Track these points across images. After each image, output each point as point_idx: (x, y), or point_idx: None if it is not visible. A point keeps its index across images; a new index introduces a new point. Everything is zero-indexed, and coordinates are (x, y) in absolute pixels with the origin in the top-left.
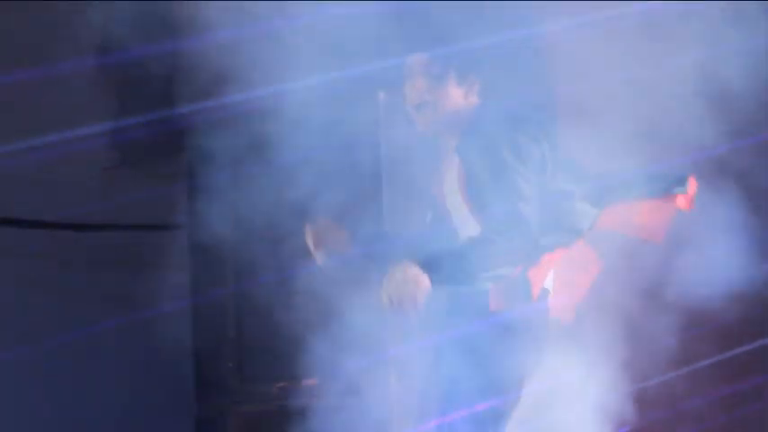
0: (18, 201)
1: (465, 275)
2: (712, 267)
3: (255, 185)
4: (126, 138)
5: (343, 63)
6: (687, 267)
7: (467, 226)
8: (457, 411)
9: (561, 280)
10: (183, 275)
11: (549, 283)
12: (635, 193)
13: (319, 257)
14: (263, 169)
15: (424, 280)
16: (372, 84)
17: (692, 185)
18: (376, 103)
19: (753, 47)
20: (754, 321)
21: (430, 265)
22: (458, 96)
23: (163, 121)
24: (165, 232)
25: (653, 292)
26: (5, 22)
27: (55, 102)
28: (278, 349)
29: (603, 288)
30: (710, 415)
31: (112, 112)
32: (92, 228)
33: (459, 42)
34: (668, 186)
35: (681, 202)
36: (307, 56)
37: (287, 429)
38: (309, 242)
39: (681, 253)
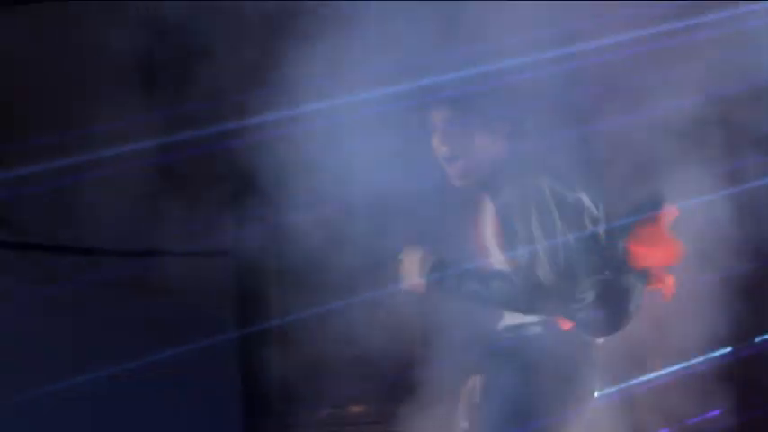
0: (59, 226)
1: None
2: None
3: (302, 211)
4: (170, 162)
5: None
6: None
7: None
8: None
9: None
10: (228, 303)
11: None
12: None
13: (411, 284)
14: (310, 194)
15: (422, 266)
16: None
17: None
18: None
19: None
20: None
21: (437, 266)
22: (486, 145)
23: (208, 145)
24: (209, 259)
25: None
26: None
27: (95, 124)
28: (326, 375)
29: None
30: None
31: (155, 136)
32: (135, 254)
33: (479, 89)
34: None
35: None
36: (358, 76)
37: None
38: (404, 268)
39: None
